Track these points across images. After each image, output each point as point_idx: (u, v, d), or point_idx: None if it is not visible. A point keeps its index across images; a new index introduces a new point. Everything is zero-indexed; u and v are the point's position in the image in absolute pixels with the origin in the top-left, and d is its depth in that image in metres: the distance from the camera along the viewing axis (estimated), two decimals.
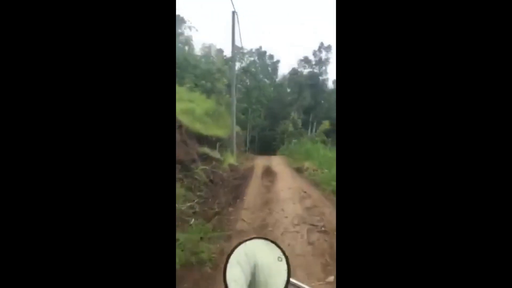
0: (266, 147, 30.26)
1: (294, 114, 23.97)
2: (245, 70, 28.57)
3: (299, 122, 24.97)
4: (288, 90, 30.84)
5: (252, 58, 29.37)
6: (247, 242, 0.73)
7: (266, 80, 30.04)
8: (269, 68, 30.16)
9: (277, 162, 13.57)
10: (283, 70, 43.17)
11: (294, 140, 22.34)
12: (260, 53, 30.11)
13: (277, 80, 31.63)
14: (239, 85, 27.93)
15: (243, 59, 28.72)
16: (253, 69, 28.67)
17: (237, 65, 29.07)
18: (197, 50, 28.04)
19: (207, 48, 29.74)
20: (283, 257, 0.71)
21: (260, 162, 13.66)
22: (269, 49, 45.08)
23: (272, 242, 0.74)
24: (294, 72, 28.99)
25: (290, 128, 23.59)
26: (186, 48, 29.08)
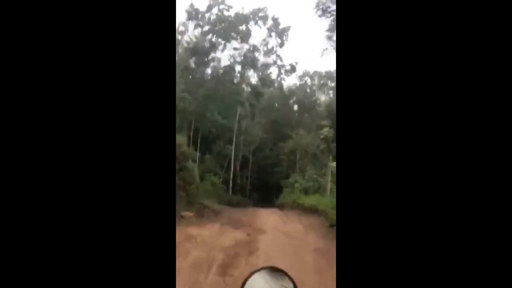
0: (264, 182, 15.99)
1: (322, 101, 9.15)
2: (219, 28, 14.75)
3: (331, 131, 10.09)
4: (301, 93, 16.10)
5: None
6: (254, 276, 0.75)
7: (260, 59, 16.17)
8: (273, 35, 16.29)
9: None
10: (295, 39, 25.23)
11: (333, 163, 7.85)
12: (257, 18, 16.50)
13: (283, 61, 17.38)
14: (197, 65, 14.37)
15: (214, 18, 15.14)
16: (241, 28, 14.86)
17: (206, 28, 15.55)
18: None
19: None
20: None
21: None
22: (272, 10, 27.33)
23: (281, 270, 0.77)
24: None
25: (321, 137, 8.82)
26: None
